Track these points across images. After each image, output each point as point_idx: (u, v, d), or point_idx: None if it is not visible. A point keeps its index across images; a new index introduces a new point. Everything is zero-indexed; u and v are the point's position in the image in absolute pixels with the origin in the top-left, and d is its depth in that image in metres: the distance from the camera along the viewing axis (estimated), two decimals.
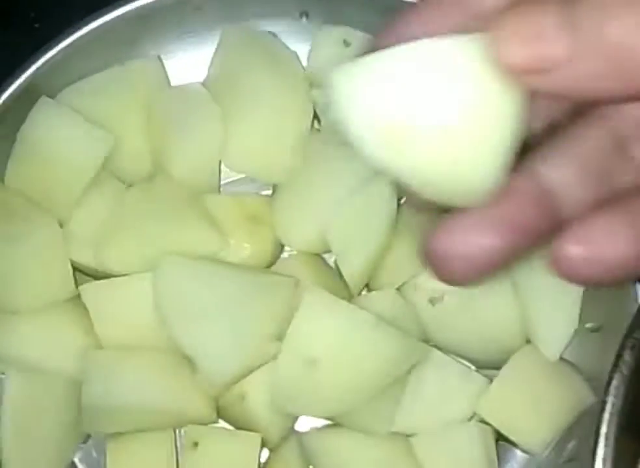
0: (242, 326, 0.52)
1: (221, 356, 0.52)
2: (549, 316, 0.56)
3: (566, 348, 0.57)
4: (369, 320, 0.52)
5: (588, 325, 0.58)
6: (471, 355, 0.58)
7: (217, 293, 0.53)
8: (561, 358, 0.56)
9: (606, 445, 0.47)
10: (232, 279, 0.53)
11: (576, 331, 0.57)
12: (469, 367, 0.58)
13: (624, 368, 0.47)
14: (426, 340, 0.58)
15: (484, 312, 0.56)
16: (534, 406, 0.55)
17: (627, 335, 0.48)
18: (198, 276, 0.53)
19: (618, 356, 0.47)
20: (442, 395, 0.56)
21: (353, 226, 0.55)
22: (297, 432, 0.57)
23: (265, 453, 0.57)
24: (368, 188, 0.56)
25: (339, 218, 0.55)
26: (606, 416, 0.47)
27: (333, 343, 0.52)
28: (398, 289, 0.57)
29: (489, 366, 0.58)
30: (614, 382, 0.47)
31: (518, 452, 0.58)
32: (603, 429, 0.47)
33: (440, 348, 0.58)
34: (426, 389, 0.56)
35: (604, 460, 0.46)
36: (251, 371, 0.54)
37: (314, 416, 0.56)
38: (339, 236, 0.56)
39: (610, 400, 0.47)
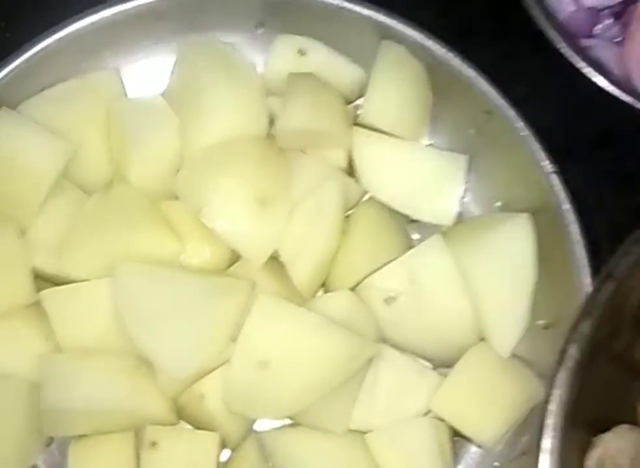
0: (199, 328, 0.54)
1: (178, 357, 0.53)
2: (500, 314, 0.57)
3: (518, 344, 0.58)
4: (318, 322, 0.54)
5: (539, 322, 0.59)
6: (427, 353, 0.60)
7: (174, 296, 0.54)
8: (513, 355, 0.58)
9: (552, 437, 0.48)
10: (189, 283, 0.55)
11: (528, 328, 0.58)
12: (424, 365, 0.60)
13: (569, 362, 0.49)
14: (383, 339, 0.59)
15: (438, 311, 0.58)
16: (487, 402, 0.56)
17: (572, 329, 0.50)
18: (155, 280, 0.54)
19: (563, 350, 0.49)
20: (397, 392, 0.57)
21: (301, 233, 0.57)
22: (257, 431, 0.58)
23: (226, 453, 0.58)
24: (315, 195, 0.58)
25: (287, 225, 0.57)
26: (551, 408, 0.48)
27: (283, 345, 0.53)
28: (354, 290, 0.59)
29: (445, 364, 0.60)
30: (559, 375, 0.49)
31: (473, 447, 0.59)
32: (548, 421, 0.48)
33: (396, 347, 0.59)
34: (381, 387, 0.57)
35: (550, 451, 0.48)
36: (208, 372, 0.55)
37: (266, 417, 0.57)
38: (287, 243, 0.57)
39: (555, 392, 0.48)
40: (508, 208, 0.61)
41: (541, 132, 0.61)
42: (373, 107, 0.60)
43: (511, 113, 0.59)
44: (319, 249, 0.57)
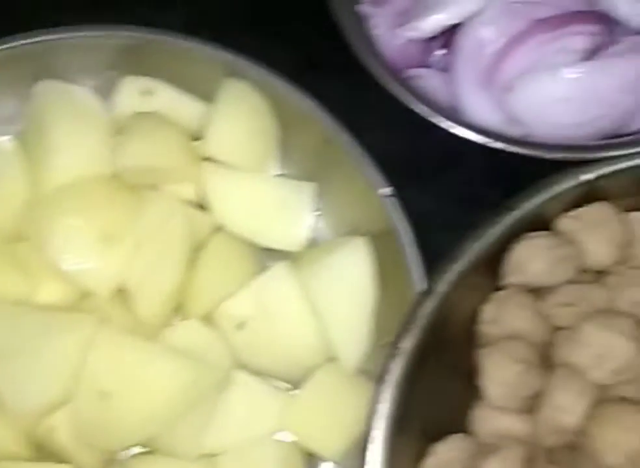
0: (43, 364, 0.55)
1: (24, 394, 0.55)
2: (344, 334, 0.60)
3: (366, 361, 0.61)
4: (157, 351, 0.56)
5: (385, 339, 0.62)
6: (282, 375, 0.62)
7: (18, 334, 0.56)
8: (362, 371, 0.60)
9: (381, 448, 0.51)
10: (33, 320, 0.57)
11: (375, 345, 0.61)
12: (280, 386, 0.62)
13: (391, 376, 0.52)
14: (239, 364, 0.62)
15: (287, 334, 0.61)
16: (334, 418, 0.59)
17: (393, 345, 0.52)
18: (1, 318, 0.56)
19: (384, 366, 0.52)
20: (249, 415, 0.60)
21: (147, 266, 0.59)
22: (115, 460, 0.60)
23: None
24: (162, 229, 0.60)
25: (133, 259, 0.59)
26: (375, 420, 0.51)
27: (123, 376, 0.55)
28: (208, 317, 0.61)
29: (300, 384, 0.62)
30: (382, 388, 0.51)
31: (324, 464, 0.62)
32: (373, 433, 0.51)
33: (253, 370, 0.62)
34: (233, 409, 0.60)
35: (375, 462, 0.50)
36: (58, 406, 0.57)
37: (113, 448, 0.58)
38: (133, 276, 0.59)
39: (377, 406, 0.51)
40: (357, 232, 0.64)
41: (387, 158, 0.65)
42: (214, 141, 0.62)
43: (350, 141, 0.62)
44: (165, 282, 0.59)
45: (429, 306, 0.53)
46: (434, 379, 0.55)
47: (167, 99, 0.64)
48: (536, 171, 0.59)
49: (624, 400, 0.48)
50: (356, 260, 0.60)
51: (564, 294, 0.53)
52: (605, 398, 0.49)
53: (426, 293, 0.53)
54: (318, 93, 0.64)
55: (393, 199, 0.61)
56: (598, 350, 0.49)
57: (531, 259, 0.53)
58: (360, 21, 0.64)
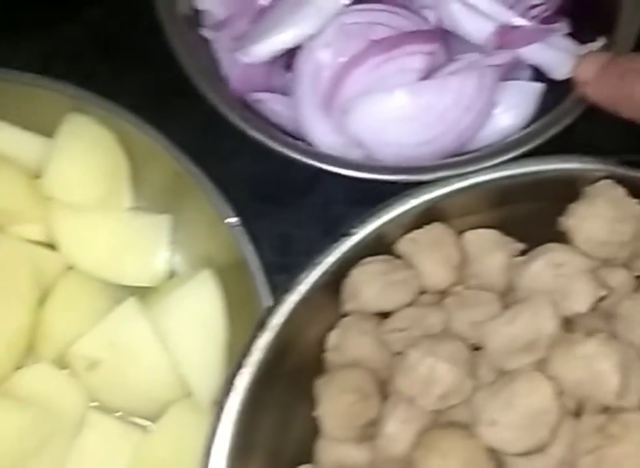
0: None
1: None
2: (197, 368, 0.59)
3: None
4: None
5: None
6: (140, 412, 0.61)
7: None
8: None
9: None
10: None
11: None
12: (138, 423, 0.61)
13: (227, 411, 0.51)
14: (96, 404, 0.61)
15: (140, 371, 0.59)
16: (188, 453, 0.58)
17: (227, 381, 0.52)
18: None
19: (219, 404, 0.51)
20: (103, 455, 0.59)
21: None
22: None
23: None
24: (4, 272, 0.58)
25: None
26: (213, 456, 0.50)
27: None
28: (59, 359, 0.60)
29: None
30: (216, 424, 0.51)
31: None
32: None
33: (110, 409, 0.61)
34: (87, 452, 0.58)
35: None
36: None
37: None
38: None
39: (214, 442, 0.50)
40: (211, 263, 0.63)
41: (240, 186, 0.65)
42: (53, 179, 0.61)
43: (197, 173, 0.61)
44: (9, 325, 0.58)
45: (265, 339, 0.52)
46: (281, 410, 0.55)
47: (6, 138, 0.63)
48: (396, 191, 0.59)
49: (451, 425, 0.48)
50: (203, 293, 0.59)
51: (400, 319, 0.53)
52: (435, 424, 0.49)
53: (261, 325, 0.52)
54: (166, 125, 0.63)
55: (240, 228, 0.60)
56: (424, 376, 0.48)
57: (364, 285, 0.53)
58: (202, 45, 0.64)
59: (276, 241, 0.67)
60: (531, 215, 0.58)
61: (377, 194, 0.65)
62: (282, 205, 0.68)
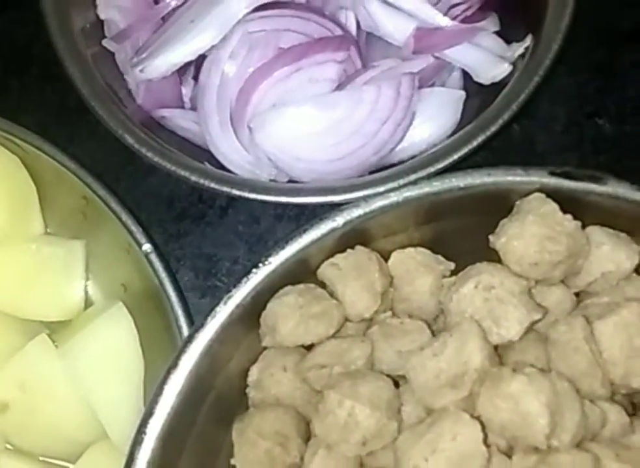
0: None
1: None
2: (113, 406, 0.55)
3: None
4: None
5: None
6: (57, 453, 0.58)
7: None
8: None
9: None
10: None
11: None
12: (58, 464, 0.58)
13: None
14: (13, 447, 0.57)
15: (53, 412, 0.56)
16: None
17: (138, 430, 0.48)
18: None
19: (130, 453, 0.48)
20: None
21: None
22: None
23: None
24: None
25: None
26: None
27: None
28: None
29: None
30: None
31: None
32: None
33: (25, 451, 0.57)
34: None
35: None
36: None
37: None
38: None
39: None
40: (127, 292, 0.59)
41: (165, 206, 0.62)
42: None
43: (106, 196, 0.57)
44: None
45: (177, 380, 0.48)
46: (205, 444, 0.51)
47: None
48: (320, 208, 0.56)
49: None
50: (115, 327, 0.55)
51: (321, 354, 0.49)
52: None
53: (173, 365, 0.49)
54: (74, 146, 0.60)
55: (155, 253, 0.56)
56: (343, 421, 0.44)
57: (281, 318, 0.49)
58: (104, 58, 0.60)
59: (199, 262, 0.63)
60: (462, 231, 0.55)
61: (302, 207, 0.62)
62: (204, 224, 0.64)
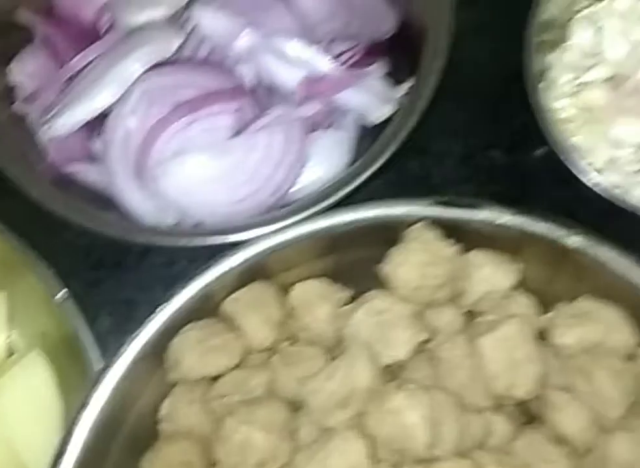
0: None
1: None
2: (34, 451, 0.57)
3: None
4: None
5: None
6: None
7: None
8: None
9: None
10: None
11: None
12: None
13: None
14: None
15: None
16: None
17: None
18: None
19: None
20: None
21: None
22: None
23: None
24: None
25: None
26: None
27: None
28: None
29: None
30: None
31: None
32: None
33: None
34: None
35: None
36: None
37: None
38: None
39: None
40: (46, 340, 0.62)
41: (83, 253, 0.65)
42: None
43: (23, 247, 0.59)
44: None
45: (86, 420, 0.51)
46: None
47: None
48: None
49: None
50: (33, 374, 0.57)
51: (223, 384, 0.52)
52: None
53: (82, 407, 0.51)
54: None
55: (70, 302, 0.59)
56: (239, 445, 0.48)
57: (184, 353, 0.52)
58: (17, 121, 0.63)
59: (118, 308, 0.66)
60: (360, 261, 0.58)
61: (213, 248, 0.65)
62: (121, 270, 0.67)
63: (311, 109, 0.60)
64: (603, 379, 0.50)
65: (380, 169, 0.59)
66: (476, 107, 0.70)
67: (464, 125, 0.70)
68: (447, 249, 0.54)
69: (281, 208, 0.58)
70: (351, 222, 0.57)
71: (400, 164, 0.69)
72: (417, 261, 0.53)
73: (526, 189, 0.68)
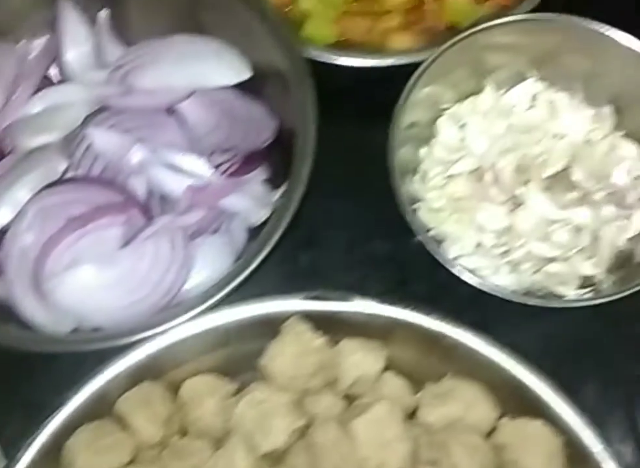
0: None
1: None
2: None
3: None
4: None
5: None
6: None
7: None
8: None
9: None
10: None
11: None
12: None
13: None
14: None
15: None
16: None
17: None
18: None
19: None
20: None
21: None
22: None
23: None
24: None
25: None
26: None
27: None
28: None
29: None
30: None
31: None
32: None
33: None
34: None
35: None
36: None
37: None
38: None
39: None
40: None
41: None
42: None
43: None
44: None
45: None
46: None
47: None
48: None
49: None
50: None
51: None
52: None
53: None
54: None
55: None
56: None
57: (77, 454, 0.56)
58: None
59: (23, 411, 0.68)
60: (248, 354, 0.63)
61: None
62: (31, 374, 0.70)
63: (195, 216, 0.65)
64: (461, 454, 0.55)
65: (266, 264, 0.64)
66: (354, 201, 0.76)
67: (350, 215, 0.76)
68: (317, 340, 0.59)
69: (171, 309, 0.63)
70: (234, 320, 0.62)
71: (290, 257, 0.75)
72: (291, 353, 0.58)
73: (405, 275, 0.74)
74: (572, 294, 0.69)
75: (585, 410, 0.58)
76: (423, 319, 0.60)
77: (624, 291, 0.64)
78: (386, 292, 0.73)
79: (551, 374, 0.60)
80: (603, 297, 0.65)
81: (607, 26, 0.70)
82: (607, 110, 0.73)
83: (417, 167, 0.74)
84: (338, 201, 0.75)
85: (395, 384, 0.61)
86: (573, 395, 0.58)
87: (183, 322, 0.61)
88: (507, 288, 0.69)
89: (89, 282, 0.63)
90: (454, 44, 0.71)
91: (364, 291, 0.64)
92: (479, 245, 0.70)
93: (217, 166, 0.67)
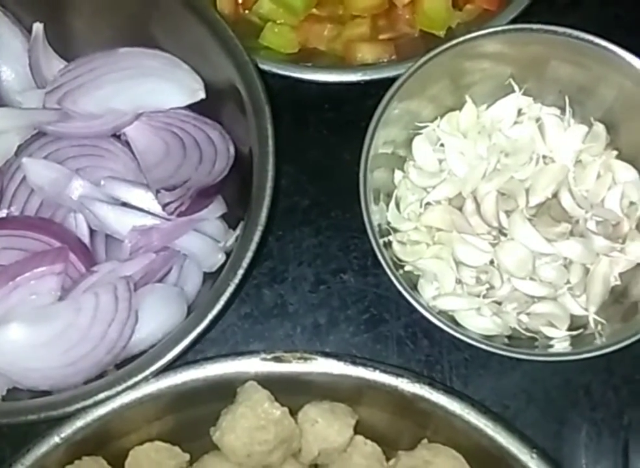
0: None
1: None
2: None
3: None
4: None
5: None
6: None
7: None
8: None
9: None
10: None
11: None
12: None
13: None
14: None
15: None
16: None
17: None
18: None
19: None
20: None
21: None
22: None
23: None
24: None
25: None
26: None
27: None
28: None
29: None
30: None
31: None
32: None
33: None
34: None
35: None
36: None
37: None
38: None
39: None
40: None
41: None
42: None
43: None
44: None
45: None
46: None
47: None
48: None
49: None
50: None
51: None
52: None
53: None
54: None
55: None
56: None
57: None
58: None
59: None
60: (200, 419, 0.57)
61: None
62: None
63: (141, 262, 0.58)
64: None
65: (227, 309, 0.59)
66: (329, 230, 0.69)
67: (317, 250, 0.69)
68: (276, 411, 0.52)
69: (115, 374, 0.56)
70: (185, 382, 0.55)
71: (252, 295, 0.68)
72: (246, 427, 0.52)
73: (378, 314, 0.67)
74: (561, 335, 0.63)
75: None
76: (395, 380, 0.55)
77: (617, 343, 0.58)
78: (357, 332, 0.67)
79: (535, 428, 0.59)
80: (595, 350, 0.58)
81: (597, 37, 0.64)
82: (599, 127, 0.67)
83: (392, 192, 0.67)
84: (304, 233, 0.69)
85: (366, 451, 0.55)
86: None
87: (128, 388, 0.54)
88: (490, 331, 0.62)
89: (22, 339, 0.55)
90: (433, 57, 0.63)
91: (333, 332, 0.59)
92: (458, 282, 0.64)
93: (167, 203, 0.59)
